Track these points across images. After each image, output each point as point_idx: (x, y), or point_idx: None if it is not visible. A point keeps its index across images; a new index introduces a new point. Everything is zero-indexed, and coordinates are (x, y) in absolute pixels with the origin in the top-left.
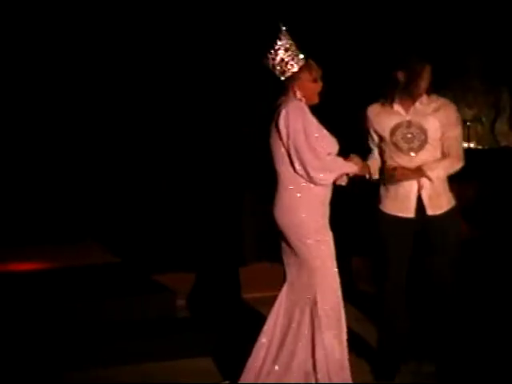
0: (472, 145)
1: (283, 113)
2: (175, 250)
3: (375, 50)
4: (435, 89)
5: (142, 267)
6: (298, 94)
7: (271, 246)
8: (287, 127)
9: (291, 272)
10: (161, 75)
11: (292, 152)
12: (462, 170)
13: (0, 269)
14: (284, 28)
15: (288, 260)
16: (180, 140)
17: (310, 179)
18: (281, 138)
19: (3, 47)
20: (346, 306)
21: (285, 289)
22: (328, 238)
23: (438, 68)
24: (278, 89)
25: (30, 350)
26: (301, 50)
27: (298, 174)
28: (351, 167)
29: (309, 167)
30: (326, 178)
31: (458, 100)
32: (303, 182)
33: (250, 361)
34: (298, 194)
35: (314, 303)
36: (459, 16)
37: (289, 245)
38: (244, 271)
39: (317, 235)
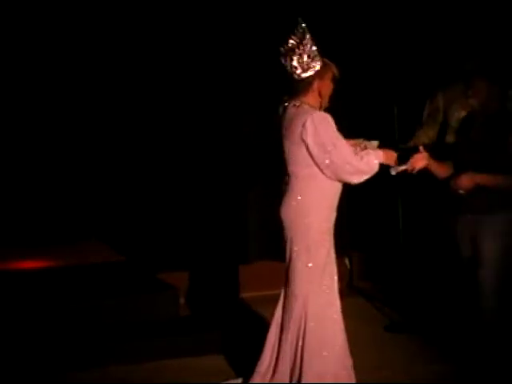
0: None
1: (309, 123)
2: (180, 249)
3: (377, 51)
4: (434, 92)
5: (147, 266)
6: (321, 93)
7: (275, 244)
8: (315, 138)
9: (289, 272)
10: (163, 74)
11: (322, 161)
12: None
13: (6, 267)
14: (304, 25)
15: (287, 260)
16: (183, 138)
17: (346, 182)
18: (307, 148)
19: (3, 47)
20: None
21: (283, 290)
22: (329, 242)
23: (437, 71)
24: (277, 89)
25: (33, 349)
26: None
27: (328, 177)
28: (379, 157)
29: (345, 174)
30: (362, 178)
31: (456, 102)
32: (315, 187)
33: (260, 361)
34: (309, 198)
35: (305, 305)
36: (458, 19)
37: (291, 244)
38: (247, 269)
39: (319, 239)
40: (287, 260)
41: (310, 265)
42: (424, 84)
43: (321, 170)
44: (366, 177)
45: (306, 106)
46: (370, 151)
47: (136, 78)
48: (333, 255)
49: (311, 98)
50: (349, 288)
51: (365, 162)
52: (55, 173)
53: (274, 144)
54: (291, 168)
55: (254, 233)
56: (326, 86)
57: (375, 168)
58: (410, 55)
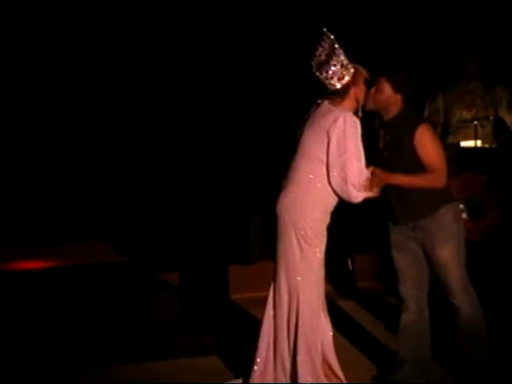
0: (478, 143)
1: (340, 121)
2: (178, 250)
3: (378, 52)
4: (434, 93)
5: (149, 266)
6: (358, 98)
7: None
8: (339, 138)
9: (280, 269)
10: (168, 76)
11: (335, 163)
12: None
13: (7, 268)
14: (331, 35)
15: (279, 257)
16: (185, 139)
17: (344, 194)
18: (328, 143)
19: (3, 47)
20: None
21: (272, 287)
22: (323, 244)
23: (437, 71)
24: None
25: (33, 350)
26: None
27: (330, 183)
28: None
29: (351, 185)
30: (361, 197)
31: (457, 102)
32: (319, 189)
33: (256, 360)
34: (310, 198)
35: (296, 306)
36: (457, 21)
37: (284, 242)
38: (248, 270)
39: (315, 239)
40: (279, 256)
41: (303, 262)
42: (425, 84)
43: (327, 172)
44: (364, 196)
45: (341, 107)
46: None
47: (138, 79)
48: (323, 256)
49: (347, 103)
50: (351, 288)
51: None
52: (56, 173)
53: (276, 144)
54: (298, 163)
55: (255, 233)
56: (361, 90)
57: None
58: (411, 56)
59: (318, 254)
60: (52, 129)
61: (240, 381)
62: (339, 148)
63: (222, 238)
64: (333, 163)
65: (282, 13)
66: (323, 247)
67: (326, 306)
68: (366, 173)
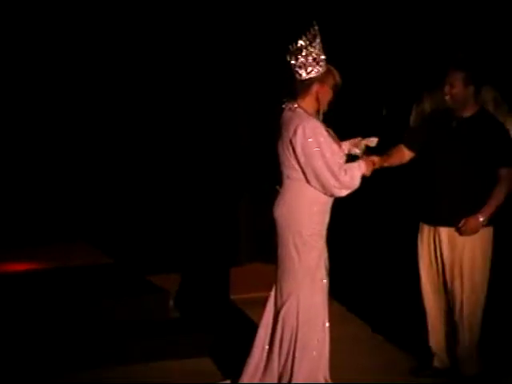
0: None
1: (299, 132)
2: (170, 251)
3: (365, 54)
4: (421, 95)
5: (136, 268)
6: (320, 98)
7: (267, 246)
8: (303, 148)
9: (280, 273)
10: (158, 76)
11: (308, 171)
12: None
13: None
14: (316, 28)
15: (279, 261)
16: (174, 140)
17: (329, 194)
18: (295, 155)
19: (3, 47)
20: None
21: (273, 290)
22: (320, 245)
23: (424, 74)
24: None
25: (23, 352)
26: None
27: (313, 187)
28: (362, 170)
29: (329, 187)
30: (345, 193)
31: (443, 104)
32: (307, 190)
33: (248, 362)
34: (304, 201)
35: (297, 306)
36: (444, 23)
37: (282, 245)
38: (239, 271)
39: (310, 240)
40: (279, 260)
41: (301, 266)
42: (412, 86)
43: (307, 180)
44: (348, 191)
45: (300, 111)
46: (354, 164)
47: (129, 81)
48: (324, 258)
49: (308, 101)
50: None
51: (349, 176)
52: (45, 175)
53: (267, 146)
54: (284, 170)
55: (245, 235)
56: (326, 92)
57: (357, 183)
58: (398, 57)
59: (315, 256)
60: (40, 133)
61: (228, 381)
62: (305, 157)
63: (214, 239)
64: (306, 170)
65: (278, 14)
66: (321, 248)
67: (326, 307)
68: (338, 171)
